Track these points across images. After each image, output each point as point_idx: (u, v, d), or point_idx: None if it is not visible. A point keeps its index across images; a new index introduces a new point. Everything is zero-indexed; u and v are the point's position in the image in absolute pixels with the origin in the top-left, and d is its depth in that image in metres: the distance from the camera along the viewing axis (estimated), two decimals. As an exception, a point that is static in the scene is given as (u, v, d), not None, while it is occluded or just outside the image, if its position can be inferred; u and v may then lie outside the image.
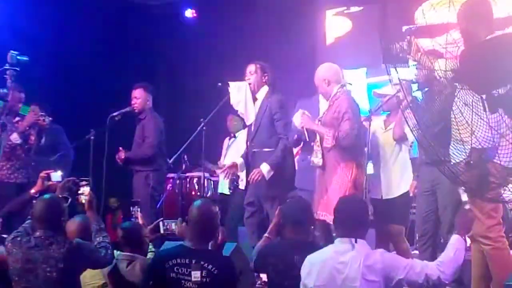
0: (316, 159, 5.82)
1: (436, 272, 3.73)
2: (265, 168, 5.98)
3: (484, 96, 3.90)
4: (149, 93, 7.35)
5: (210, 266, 4.06)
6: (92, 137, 7.26)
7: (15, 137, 6.54)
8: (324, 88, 5.89)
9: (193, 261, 4.07)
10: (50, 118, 6.65)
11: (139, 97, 7.29)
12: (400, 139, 5.87)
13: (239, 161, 6.44)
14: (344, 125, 5.64)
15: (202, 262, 4.06)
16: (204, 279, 4.04)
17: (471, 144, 3.92)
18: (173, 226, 4.93)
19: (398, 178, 5.91)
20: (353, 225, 3.89)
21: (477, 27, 4.04)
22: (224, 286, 4.11)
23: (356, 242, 3.83)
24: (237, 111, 6.33)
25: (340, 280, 3.76)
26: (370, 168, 6.01)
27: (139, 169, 7.21)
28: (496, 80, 3.90)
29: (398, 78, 4.19)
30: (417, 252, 5.78)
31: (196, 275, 4.04)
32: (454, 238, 3.90)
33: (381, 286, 3.71)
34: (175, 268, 4.08)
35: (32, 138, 6.70)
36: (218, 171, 8.07)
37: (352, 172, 5.65)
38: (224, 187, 7.94)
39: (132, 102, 7.31)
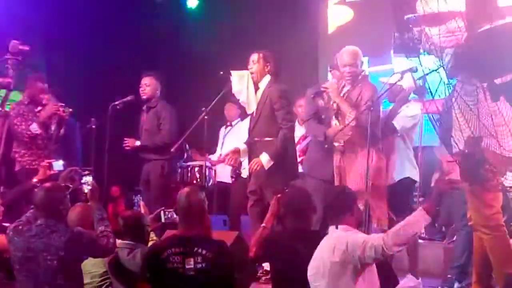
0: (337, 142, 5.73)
1: (380, 242, 3.77)
2: (264, 158, 5.95)
3: (485, 84, 3.90)
4: (158, 81, 7.34)
5: (204, 251, 4.08)
6: (93, 126, 7.27)
7: (34, 127, 6.60)
8: (357, 69, 5.72)
9: (187, 249, 4.08)
10: (70, 109, 6.68)
11: (149, 84, 7.27)
12: (389, 132, 5.85)
13: (242, 147, 6.42)
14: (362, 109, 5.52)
15: (195, 249, 4.08)
16: (199, 265, 4.06)
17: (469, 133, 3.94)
18: (174, 215, 4.93)
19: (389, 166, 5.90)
20: (336, 212, 4.04)
21: (480, 15, 4.03)
22: (220, 269, 4.11)
23: (337, 228, 3.97)
24: (238, 100, 6.31)
25: (322, 267, 3.89)
26: None
27: (155, 158, 7.16)
28: (498, 68, 3.90)
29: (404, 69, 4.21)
30: None
31: (190, 262, 4.06)
32: (416, 211, 3.90)
33: (344, 266, 3.81)
34: (170, 258, 4.09)
35: (52, 128, 6.75)
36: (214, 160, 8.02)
37: (372, 159, 5.47)
38: (223, 175, 7.89)
39: (141, 89, 7.27)
